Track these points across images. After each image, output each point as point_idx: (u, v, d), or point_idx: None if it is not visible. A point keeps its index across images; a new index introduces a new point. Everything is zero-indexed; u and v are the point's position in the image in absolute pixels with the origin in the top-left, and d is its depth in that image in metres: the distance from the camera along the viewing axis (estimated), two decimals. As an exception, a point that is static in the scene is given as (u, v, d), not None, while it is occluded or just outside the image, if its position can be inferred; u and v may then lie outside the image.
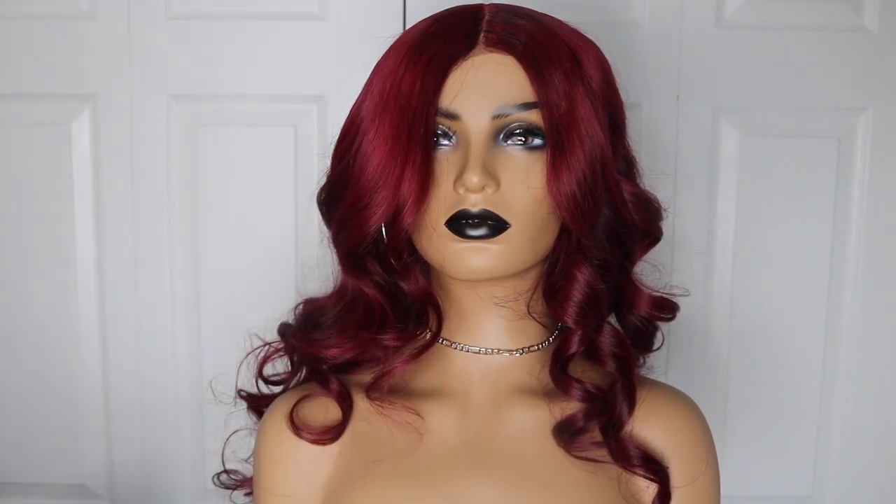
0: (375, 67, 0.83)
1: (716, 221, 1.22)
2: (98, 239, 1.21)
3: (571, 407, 0.84)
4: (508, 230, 0.78)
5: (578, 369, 0.86)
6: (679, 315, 0.92)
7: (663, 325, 0.96)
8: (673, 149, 1.20)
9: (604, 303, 0.83)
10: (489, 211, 0.77)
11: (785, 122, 1.21)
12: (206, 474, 1.24)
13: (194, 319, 1.22)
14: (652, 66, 1.18)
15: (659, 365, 1.05)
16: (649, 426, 0.86)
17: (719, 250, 1.22)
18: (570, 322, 0.82)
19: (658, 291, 0.90)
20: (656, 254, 0.91)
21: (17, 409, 1.25)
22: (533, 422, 0.85)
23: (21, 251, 1.22)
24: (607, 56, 0.85)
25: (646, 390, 0.87)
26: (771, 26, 1.19)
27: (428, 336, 0.88)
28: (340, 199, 0.85)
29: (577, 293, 0.82)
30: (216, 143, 1.20)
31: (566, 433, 0.83)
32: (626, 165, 0.87)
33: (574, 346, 0.83)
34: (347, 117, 0.84)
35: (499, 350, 0.86)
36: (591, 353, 0.86)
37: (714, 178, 1.21)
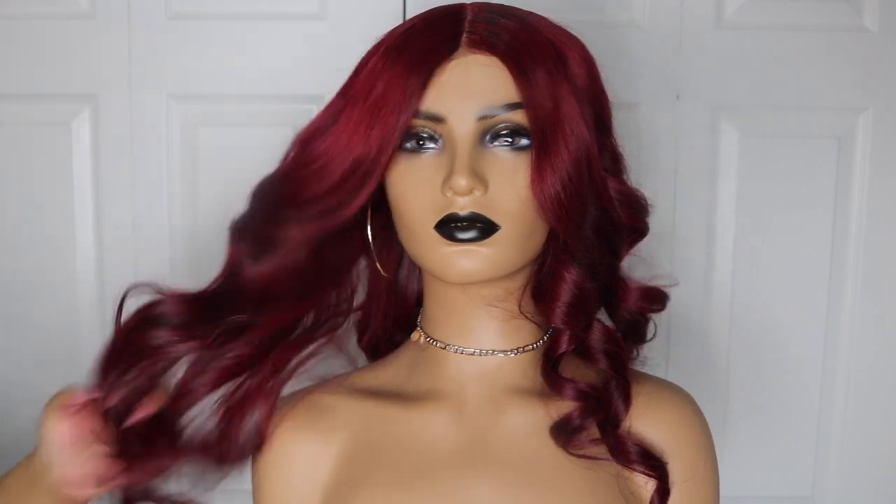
0: (355, 69, 0.83)
1: (716, 221, 1.22)
2: (98, 239, 1.21)
3: (567, 406, 0.84)
4: (498, 232, 0.78)
5: (572, 367, 0.85)
6: (679, 314, 0.92)
7: (663, 324, 0.96)
8: (673, 149, 1.20)
9: (592, 302, 0.83)
10: (478, 213, 0.77)
11: (785, 122, 1.21)
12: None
13: (194, 319, 1.22)
14: (652, 66, 1.18)
15: (659, 364, 1.05)
16: (647, 422, 0.86)
17: (719, 250, 1.22)
18: (558, 322, 0.82)
19: (646, 283, 0.90)
20: (648, 247, 0.91)
21: (17, 409, 1.25)
22: (529, 422, 0.85)
23: (21, 251, 1.21)
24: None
25: (641, 385, 0.87)
26: (771, 26, 1.19)
27: (417, 337, 0.89)
28: (296, 196, 0.82)
29: (565, 294, 0.82)
30: (216, 143, 1.20)
31: (563, 432, 0.83)
32: (613, 162, 0.86)
33: (563, 346, 0.83)
34: (319, 117, 0.83)
35: (494, 351, 0.86)
36: (583, 351, 0.86)
37: (714, 178, 1.21)
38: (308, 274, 0.83)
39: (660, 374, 1.01)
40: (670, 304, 0.93)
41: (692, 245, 1.20)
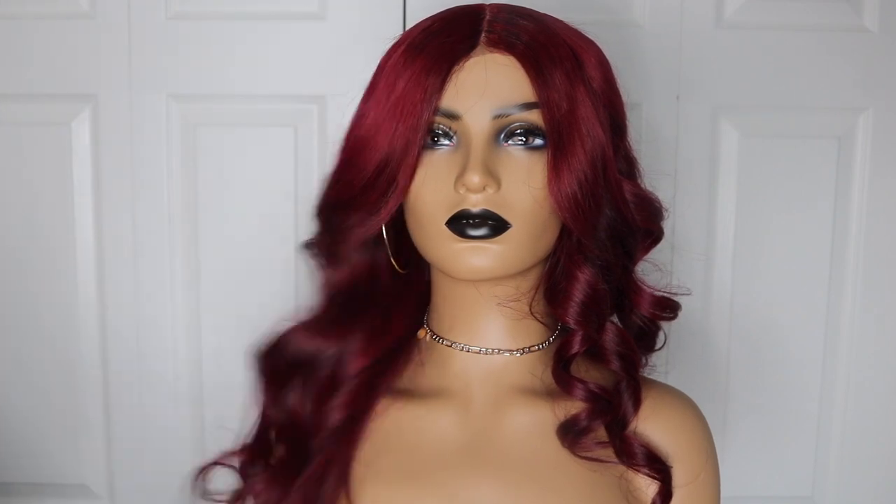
0: (377, 67, 0.83)
1: (716, 221, 1.22)
2: (98, 239, 1.21)
3: (575, 406, 0.84)
4: (509, 230, 0.78)
5: (581, 368, 0.86)
6: (679, 315, 0.92)
7: (664, 325, 0.96)
8: (673, 149, 1.20)
9: (605, 303, 0.83)
10: (490, 211, 0.77)
11: (785, 122, 1.21)
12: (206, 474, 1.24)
13: (194, 320, 1.22)
14: (652, 66, 1.18)
15: (659, 365, 1.05)
16: (651, 425, 0.86)
17: (719, 250, 1.22)
18: (571, 323, 0.82)
19: (660, 291, 0.90)
20: (657, 254, 0.91)
21: (17, 409, 1.25)
22: (534, 422, 0.84)
23: (21, 251, 1.22)
24: (607, 56, 0.85)
25: (647, 389, 0.87)
26: (771, 26, 1.19)
27: (423, 334, 0.89)
28: (339, 198, 0.85)
29: (579, 293, 0.82)
30: (216, 143, 1.20)
31: (570, 433, 0.83)
32: (628, 165, 0.87)
33: (576, 347, 0.83)
34: (351, 119, 0.85)
35: (500, 350, 0.86)
36: (595, 352, 0.86)
37: (714, 178, 1.21)
38: (387, 281, 0.88)
39: (660, 373, 1.01)
40: (670, 304, 0.93)
41: (692, 245, 1.20)
